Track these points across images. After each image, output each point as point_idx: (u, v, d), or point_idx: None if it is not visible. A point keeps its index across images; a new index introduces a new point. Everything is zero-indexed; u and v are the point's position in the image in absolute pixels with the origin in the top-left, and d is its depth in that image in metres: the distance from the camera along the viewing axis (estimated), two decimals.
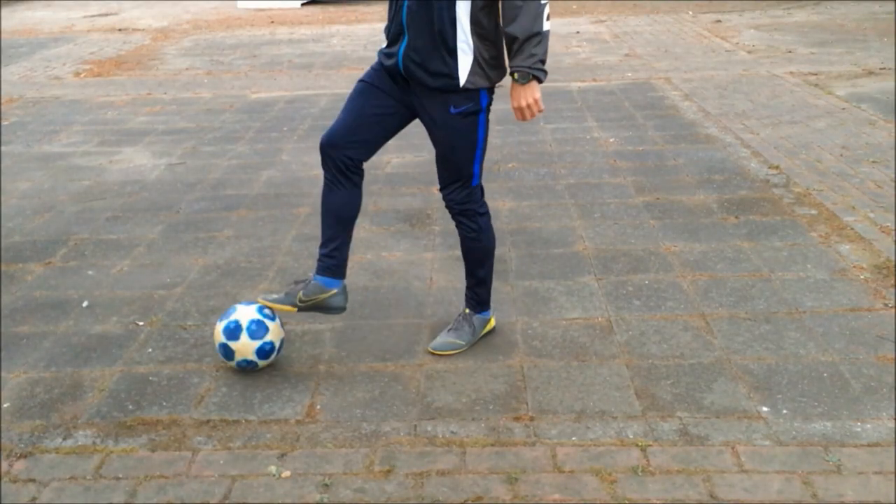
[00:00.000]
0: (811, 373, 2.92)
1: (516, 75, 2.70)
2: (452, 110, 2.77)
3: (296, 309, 3.00)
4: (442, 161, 2.93)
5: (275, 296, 3.04)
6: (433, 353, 3.11)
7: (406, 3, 2.68)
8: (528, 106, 2.75)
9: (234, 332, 2.95)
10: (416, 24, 2.67)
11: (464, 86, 2.72)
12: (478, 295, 3.17)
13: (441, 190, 2.99)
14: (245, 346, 2.94)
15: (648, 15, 11.26)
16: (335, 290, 3.01)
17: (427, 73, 2.72)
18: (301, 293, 2.98)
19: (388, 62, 2.81)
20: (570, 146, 5.61)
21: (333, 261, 2.99)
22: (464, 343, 3.13)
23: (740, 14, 11.02)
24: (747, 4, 11.74)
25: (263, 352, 2.97)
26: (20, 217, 4.70)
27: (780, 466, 2.45)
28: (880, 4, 10.99)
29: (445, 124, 2.81)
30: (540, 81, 2.72)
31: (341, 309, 3.07)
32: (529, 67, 2.66)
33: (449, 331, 3.17)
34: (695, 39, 9.35)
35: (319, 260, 3.00)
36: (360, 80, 2.91)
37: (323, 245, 2.99)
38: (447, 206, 3.01)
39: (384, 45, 2.86)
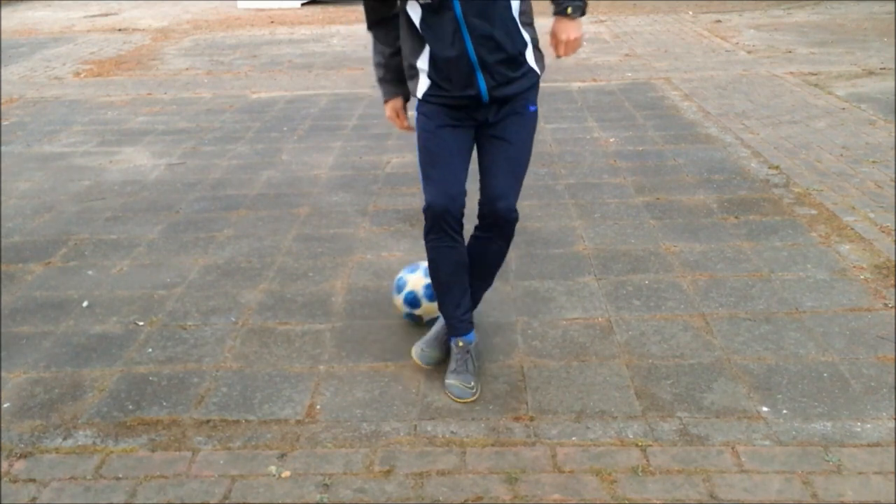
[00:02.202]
0: (811, 373, 2.92)
1: (570, 9, 2.62)
2: (531, 108, 2.75)
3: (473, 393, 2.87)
4: (510, 166, 2.76)
5: (469, 392, 2.86)
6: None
7: (470, 47, 2.56)
8: (576, 39, 2.66)
9: (413, 302, 3.22)
10: (490, 51, 2.59)
11: (539, 73, 2.72)
12: (473, 310, 3.03)
13: (499, 201, 2.75)
14: (429, 309, 3.21)
15: (648, 15, 11.25)
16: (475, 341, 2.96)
17: (513, 84, 2.67)
18: (471, 364, 2.92)
19: (464, 102, 2.68)
20: (570, 146, 5.61)
21: (470, 314, 2.94)
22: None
23: (740, 14, 11.02)
24: (747, 4, 11.73)
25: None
26: (20, 217, 4.70)
27: (780, 466, 2.45)
28: (880, 4, 10.99)
29: (524, 125, 2.76)
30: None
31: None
32: (581, 1, 2.64)
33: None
34: (695, 39, 9.35)
35: (459, 322, 2.91)
36: (427, 131, 2.76)
37: (457, 306, 2.89)
38: (504, 218, 2.78)
39: (421, 87, 2.71)
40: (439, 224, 2.75)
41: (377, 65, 2.91)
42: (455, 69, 2.62)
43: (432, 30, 2.60)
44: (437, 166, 2.74)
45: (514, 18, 2.61)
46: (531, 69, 2.71)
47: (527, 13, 2.68)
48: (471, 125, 2.77)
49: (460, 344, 2.93)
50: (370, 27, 2.86)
